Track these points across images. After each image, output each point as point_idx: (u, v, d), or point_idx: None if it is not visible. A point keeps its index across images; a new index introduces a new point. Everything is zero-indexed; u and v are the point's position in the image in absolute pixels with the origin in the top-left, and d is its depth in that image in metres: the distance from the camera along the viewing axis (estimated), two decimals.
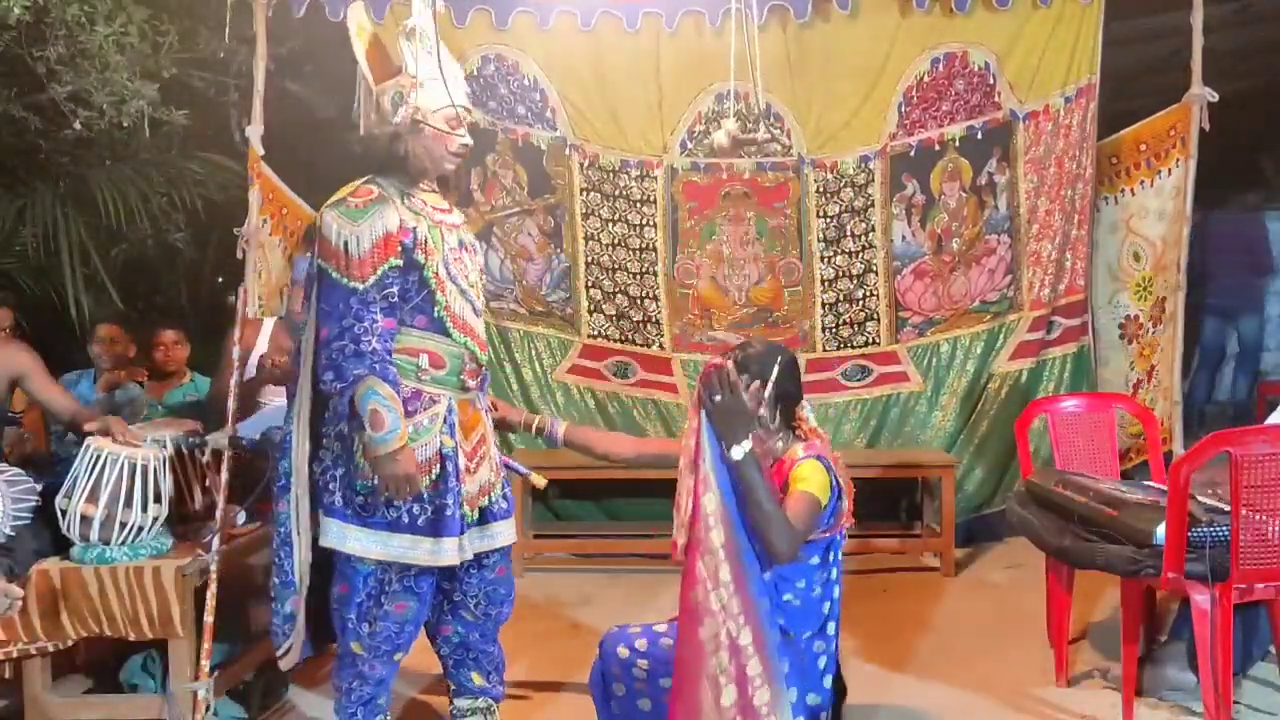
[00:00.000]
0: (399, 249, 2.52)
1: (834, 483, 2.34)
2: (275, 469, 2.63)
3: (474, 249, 2.78)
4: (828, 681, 2.37)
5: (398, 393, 2.46)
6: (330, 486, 2.57)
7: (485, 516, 2.72)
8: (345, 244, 2.47)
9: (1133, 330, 4.81)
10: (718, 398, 2.20)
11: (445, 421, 2.60)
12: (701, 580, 2.15)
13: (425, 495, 2.55)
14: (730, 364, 2.28)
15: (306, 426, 2.59)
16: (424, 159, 2.63)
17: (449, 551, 2.57)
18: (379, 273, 2.48)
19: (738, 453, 2.19)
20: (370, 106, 2.67)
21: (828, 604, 2.37)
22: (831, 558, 2.39)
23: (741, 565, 2.18)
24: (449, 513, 2.56)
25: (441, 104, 2.61)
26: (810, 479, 2.30)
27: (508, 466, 2.89)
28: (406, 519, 2.55)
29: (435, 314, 2.59)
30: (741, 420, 2.22)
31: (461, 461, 2.62)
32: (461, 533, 2.59)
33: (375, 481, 2.52)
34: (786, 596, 2.33)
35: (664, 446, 2.80)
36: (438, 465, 2.57)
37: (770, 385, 2.40)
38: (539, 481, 2.91)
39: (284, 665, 2.68)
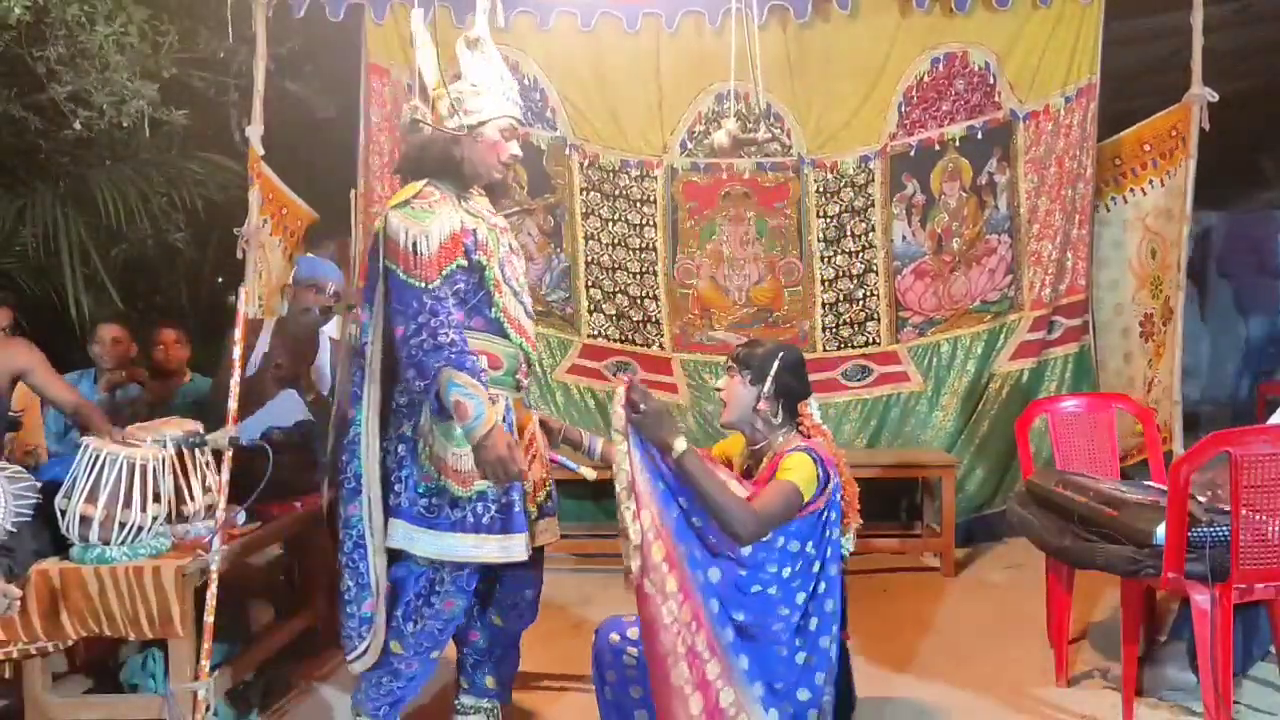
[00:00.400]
0: (462, 250, 2.55)
1: (820, 474, 2.37)
2: (344, 471, 2.62)
3: (519, 252, 2.82)
4: (820, 679, 2.36)
5: (480, 379, 2.46)
6: (395, 488, 2.59)
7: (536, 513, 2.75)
8: (414, 244, 2.48)
9: (1149, 328, 4.80)
10: (643, 407, 2.24)
11: (504, 420, 2.61)
12: (651, 596, 2.19)
13: (490, 494, 2.56)
14: (635, 379, 2.35)
15: (376, 428, 2.60)
16: (477, 165, 2.65)
17: (519, 548, 2.59)
18: (447, 271, 2.51)
19: (680, 445, 2.25)
20: (409, 113, 2.68)
21: (802, 595, 2.37)
22: (814, 550, 2.39)
23: (685, 572, 2.21)
24: (516, 509, 2.60)
25: (497, 113, 2.64)
26: (794, 470, 2.35)
27: (556, 463, 2.89)
28: (472, 518, 2.56)
29: (493, 315, 2.62)
30: (668, 421, 2.29)
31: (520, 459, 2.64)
32: (527, 528, 2.63)
33: (442, 481, 2.54)
34: (755, 588, 2.33)
35: None
36: None
37: (770, 380, 2.46)
38: (589, 474, 2.91)
39: (358, 668, 2.65)
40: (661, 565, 2.19)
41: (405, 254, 2.48)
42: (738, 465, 2.63)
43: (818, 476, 2.36)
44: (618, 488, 2.21)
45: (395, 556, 2.60)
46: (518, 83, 4.77)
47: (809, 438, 2.49)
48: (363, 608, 2.60)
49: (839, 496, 2.44)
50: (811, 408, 2.55)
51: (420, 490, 2.56)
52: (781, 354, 2.51)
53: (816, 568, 2.39)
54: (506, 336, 2.64)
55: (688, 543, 2.25)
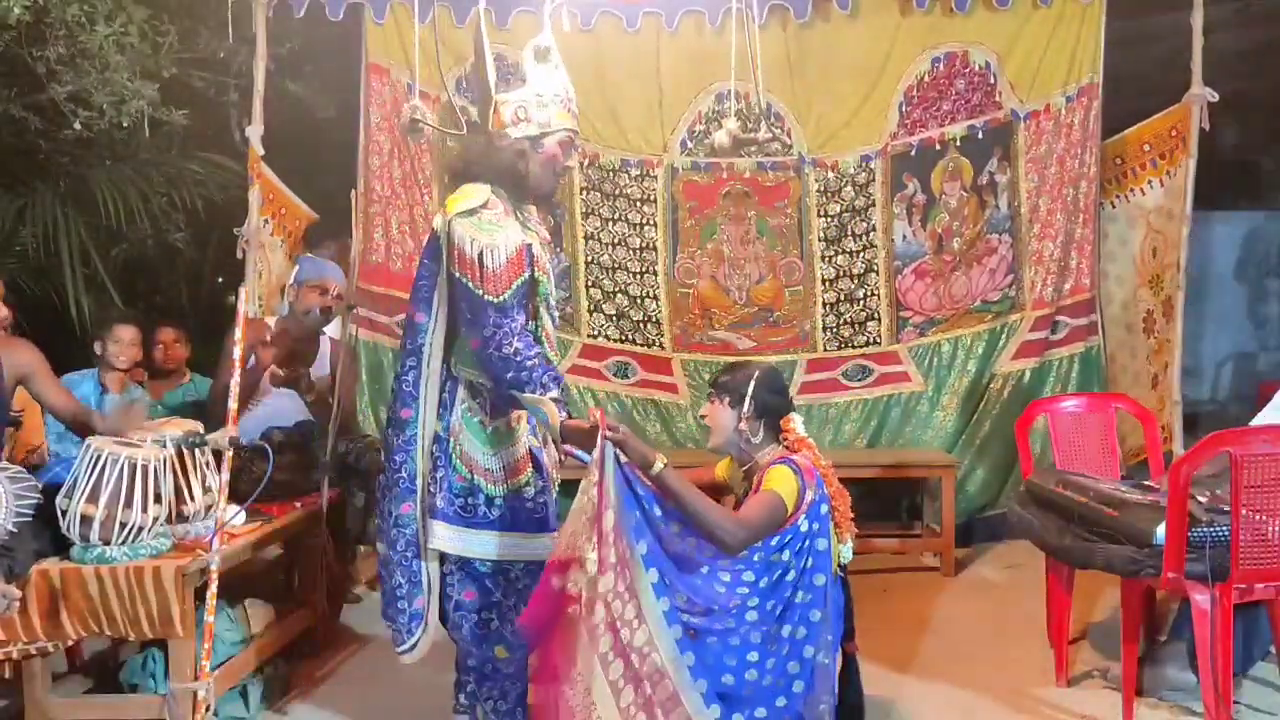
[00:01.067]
0: (524, 265, 2.55)
1: (799, 485, 2.43)
2: (398, 470, 2.62)
3: (553, 263, 2.83)
4: (799, 687, 2.38)
5: (545, 379, 2.45)
6: (432, 489, 2.60)
7: None
8: (481, 256, 2.47)
9: (1150, 324, 4.80)
10: (621, 429, 2.30)
11: (529, 423, 2.64)
12: (596, 626, 2.19)
13: (526, 492, 2.59)
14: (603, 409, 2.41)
15: (433, 430, 2.61)
16: (539, 177, 2.65)
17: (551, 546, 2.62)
18: (515, 286, 2.50)
19: (660, 462, 2.34)
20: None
21: (774, 603, 2.39)
22: (791, 558, 2.41)
23: (644, 600, 2.24)
24: (551, 508, 2.64)
25: (560, 126, 2.64)
26: (775, 481, 2.44)
27: (569, 454, 2.81)
28: (509, 515, 2.57)
29: (532, 328, 2.62)
30: (643, 442, 2.37)
31: (545, 458, 2.68)
32: (558, 527, 2.65)
33: (475, 481, 2.56)
34: (734, 603, 2.36)
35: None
36: (530, 464, 2.61)
37: (748, 401, 2.54)
38: None
39: (408, 660, 2.66)
40: (624, 594, 2.22)
41: (472, 264, 2.47)
42: (735, 488, 2.68)
43: (798, 489, 2.43)
44: (583, 516, 2.23)
45: (465, 562, 2.60)
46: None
47: (794, 451, 2.55)
48: (414, 604, 2.62)
49: (824, 508, 2.47)
50: (795, 422, 2.60)
51: (455, 490, 2.57)
52: (757, 374, 2.59)
53: (791, 576, 2.42)
54: (540, 347, 2.64)
55: (656, 569, 2.28)
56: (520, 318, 2.53)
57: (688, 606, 2.31)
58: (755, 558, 2.39)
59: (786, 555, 2.41)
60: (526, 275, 2.54)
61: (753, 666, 2.34)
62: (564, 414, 2.45)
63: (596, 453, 2.25)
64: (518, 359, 2.45)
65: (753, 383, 2.57)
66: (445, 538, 2.57)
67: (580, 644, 2.21)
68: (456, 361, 2.60)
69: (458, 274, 2.50)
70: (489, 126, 2.66)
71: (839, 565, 2.56)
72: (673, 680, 2.25)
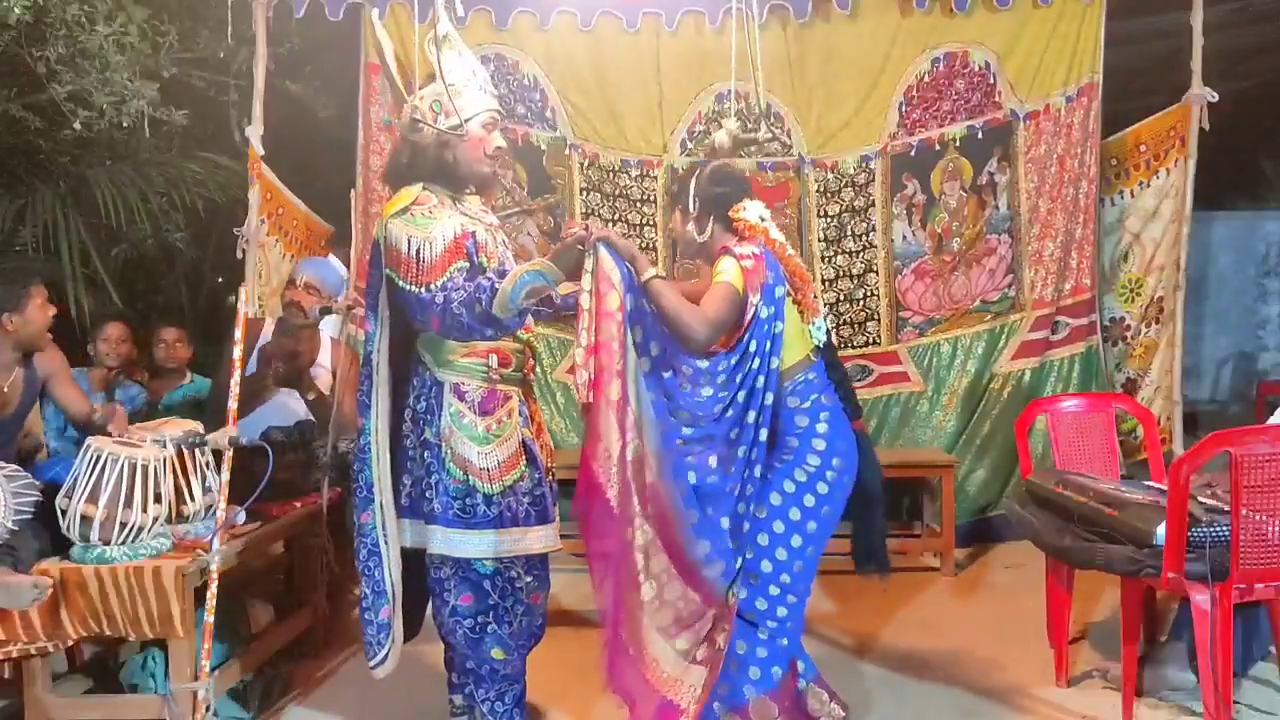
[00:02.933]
0: (465, 253, 2.55)
1: (743, 271, 2.49)
2: (355, 479, 2.63)
3: (510, 247, 2.84)
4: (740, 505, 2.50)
5: (494, 283, 2.45)
6: (427, 494, 2.60)
7: None
8: (417, 251, 2.49)
9: (1118, 332, 4.82)
10: (598, 225, 2.40)
11: (520, 414, 2.65)
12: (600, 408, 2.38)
13: (521, 486, 2.60)
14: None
15: (386, 438, 2.62)
16: (472, 164, 2.66)
17: (555, 536, 2.66)
18: (449, 272, 2.50)
19: (649, 274, 2.43)
20: (409, 113, 2.68)
21: (744, 394, 2.50)
22: (754, 348, 2.51)
23: (630, 384, 2.39)
24: (548, 499, 2.66)
25: (479, 109, 2.65)
26: (721, 272, 2.49)
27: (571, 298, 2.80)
28: (508, 513, 2.58)
29: None
30: (636, 249, 2.46)
31: (538, 449, 2.69)
32: (556, 517, 2.69)
33: (471, 482, 2.56)
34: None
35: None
36: (524, 457, 2.62)
37: (692, 200, 2.57)
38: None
39: (380, 674, 2.65)
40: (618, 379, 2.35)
41: (408, 261, 2.49)
42: None
43: (740, 270, 2.47)
44: (582, 300, 2.38)
45: (463, 566, 2.60)
46: (518, 82, 4.85)
47: (744, 239, 2.57)
48: (380, 615, 2.62)
49: (780, 290, 2.52)
50: (745, 210, 2.60)
51: (452, 494, 2.57)
52: (698, 172, 2.62)
53: (756, 364, 2.50)
54: (513, 335, 2.65)
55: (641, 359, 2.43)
56: (463, 281, 2.51)
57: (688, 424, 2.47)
58: (719, 367, 2.49)
59: (753, 346, 2.49)
60: (464, 262, 2.54)
61: (713, 471, 2.49)
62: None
63: (589, 259, 2.34)
64: (474, 292, 2.45)
65: (693, 181, 2.58)
66: (445, 541, 2.58)
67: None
68: (438, 365, 2.60)
69: (394, 274, 2.51)
70: (428, 122, 2.65)
71: (815, 348, 2.60)
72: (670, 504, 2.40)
